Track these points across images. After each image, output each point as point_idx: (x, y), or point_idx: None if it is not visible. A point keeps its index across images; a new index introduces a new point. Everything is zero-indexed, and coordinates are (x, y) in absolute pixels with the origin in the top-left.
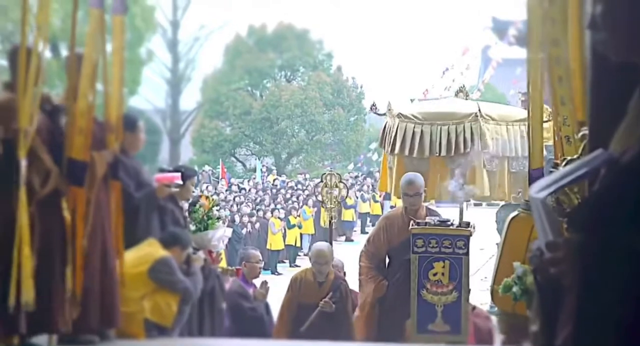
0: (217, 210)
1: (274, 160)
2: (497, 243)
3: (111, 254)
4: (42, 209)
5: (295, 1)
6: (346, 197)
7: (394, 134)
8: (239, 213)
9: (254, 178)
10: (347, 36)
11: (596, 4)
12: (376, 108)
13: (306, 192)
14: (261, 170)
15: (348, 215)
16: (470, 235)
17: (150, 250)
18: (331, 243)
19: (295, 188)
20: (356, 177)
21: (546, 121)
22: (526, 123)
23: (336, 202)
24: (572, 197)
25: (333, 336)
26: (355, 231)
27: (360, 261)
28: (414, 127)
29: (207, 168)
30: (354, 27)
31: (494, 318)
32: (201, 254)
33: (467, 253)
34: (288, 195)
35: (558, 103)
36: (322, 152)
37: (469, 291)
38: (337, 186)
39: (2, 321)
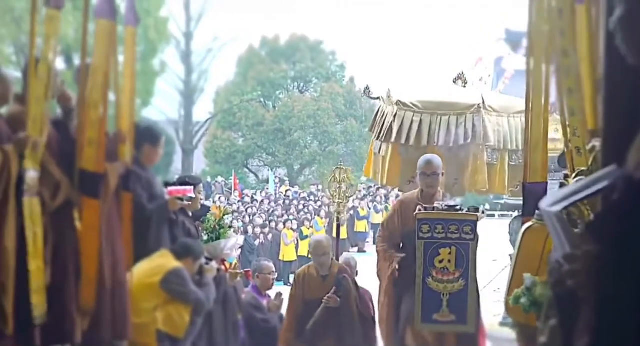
0: (229, 220)
1: (287, 171)
2: (510, 255)
3: (122, 266)
4: (54, 221)
5: (308, 12)
6: (355, 193)
7: (390, 122)
8: (252, 225)
9: (267, 190)
10: (360, 47)
11: (617, 7)
12: (369, 91)
13: (318, 203)
14: (274, 181)
15: (361, 226)
16: (478, 219)
17: (162, 261)
18: (338, 240)
19: (308, 199)
20: (369, 187)
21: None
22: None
23: (345, 197)
24: (583, 208)
25: (338, 331)
26: (367, 242)
27: (377, 247)
28: (413, 116)
29: (219, 179)
30: (367, 38)
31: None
32: (214, 264)
33: (474, 239)
34: (300, 207)
35: (569, 114)
36: (334, 163)
37: (476, 279)
38: (346, 181)
39: (17, 334)
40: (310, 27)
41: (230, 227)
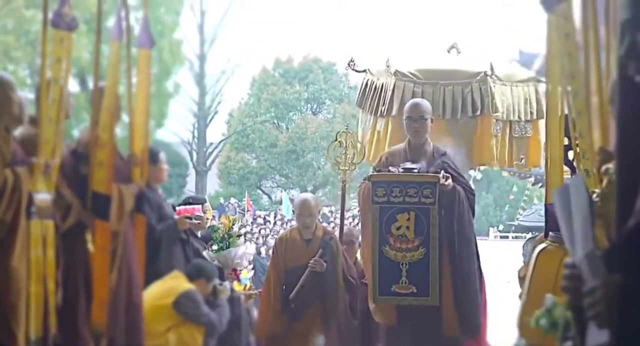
0: (237, 228)
1: (300, 193)
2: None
3: (136, 289)
4: (65, 243)
5: (321, 34)
6: (362, 160)
7: (390, 94)
8: (265, 246)
9: (280, 211)
10: (373, 69)
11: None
12: (354, 64)
13: (332, 225)
14: (288, 204)
15: None
16: (438, 181)
17: (174, 282)
18: (342, 210)
19: (321, 221)
20: None
21: None
22: (528, 84)
23: (350, 164)
24: (596, 231)
25: (323, 298)
26: None
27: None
28: (414, 87)
29: (233, 200)
30: (380, 60)
31: None
32: (227, 285)
33: (434, 203)
34: None
35: (577, 137)
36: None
37: (436, 247)
38: (352, 146)
39: None
40: (323, 49)
41: (239, 235)
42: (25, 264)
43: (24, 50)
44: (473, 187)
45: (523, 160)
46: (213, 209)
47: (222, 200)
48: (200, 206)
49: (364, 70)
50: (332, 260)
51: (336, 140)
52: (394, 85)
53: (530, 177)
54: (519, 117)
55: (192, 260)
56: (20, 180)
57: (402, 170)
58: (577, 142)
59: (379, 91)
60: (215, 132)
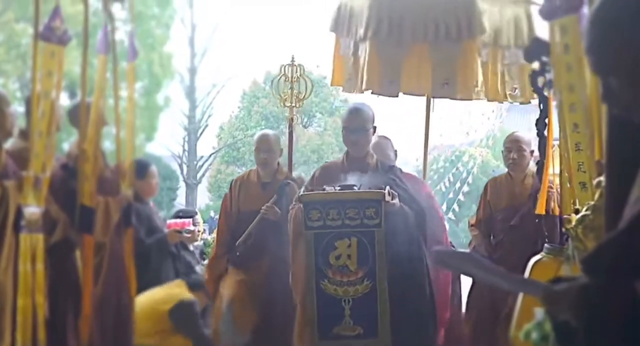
0: None
1: None
2: None
3: (125, 302)
4: (52, 257)
5: (312, 48)
6: (310, 95)
7: (365, 15)
8: None
9: None
10: None
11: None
12: None
13: None
14: None
15: None
16: (383, 197)
17: (177, 290)
18: (290, 150)
19: None
20: None
21: None
22: (518, 4)
23: (297, 100)
24: (587, 243)
25: (274, 250)
26: None
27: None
28: (391, 6)
29: None
30: None
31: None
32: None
33: (379, 225)
34: None
35: (573, 149)
36: None
37: (384, 278)
38: (298, 80)
39: None
40: (314, 63)
41: None
42: (11, 278)
43: (14, 64)
44: (463, 199)
45: (517, 91)
46: (204, 223)
47: (212, 214)
48: (190, 219)
49: None
50: (287, 208)
51: (281, 72)
52: (369, 4)
53: None
54: (508, 41)
55: (182, 274)
56: (7, 194)
57: (339, 187)
58: (569, 154)
59: (356, 12)
60: (206, 145)
